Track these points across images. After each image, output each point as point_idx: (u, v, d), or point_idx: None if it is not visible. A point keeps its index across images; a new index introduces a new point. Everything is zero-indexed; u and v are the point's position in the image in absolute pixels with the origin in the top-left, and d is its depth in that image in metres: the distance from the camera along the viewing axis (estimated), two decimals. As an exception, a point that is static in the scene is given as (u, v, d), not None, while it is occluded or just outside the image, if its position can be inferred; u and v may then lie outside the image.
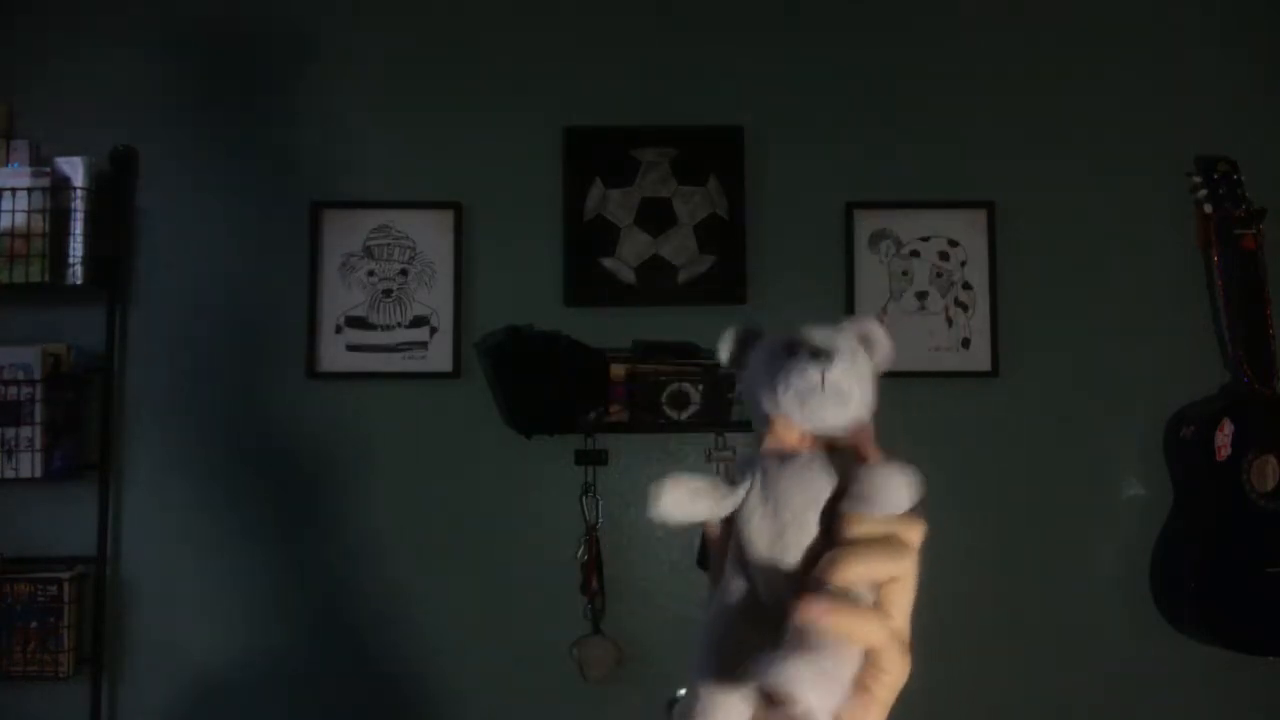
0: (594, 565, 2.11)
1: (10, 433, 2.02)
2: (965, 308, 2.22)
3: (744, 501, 0.48)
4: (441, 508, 2.18)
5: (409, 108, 2.25)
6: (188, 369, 2.19)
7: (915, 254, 2.23)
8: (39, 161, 2.09)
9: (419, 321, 2.20)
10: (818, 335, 0.49)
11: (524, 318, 2.16)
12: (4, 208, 2.03)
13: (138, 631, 2.15)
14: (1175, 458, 2.14)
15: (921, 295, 2.21)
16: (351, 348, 2.19)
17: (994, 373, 2.20)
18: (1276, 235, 2.10)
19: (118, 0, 2.26)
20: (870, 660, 0.44)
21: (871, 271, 2.22)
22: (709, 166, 2.22)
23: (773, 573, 0.47)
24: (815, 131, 2.25)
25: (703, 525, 0.51)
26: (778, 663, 0.41)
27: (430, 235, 2.21)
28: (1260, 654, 2.04)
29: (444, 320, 2.19)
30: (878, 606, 0.45)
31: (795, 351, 0.48)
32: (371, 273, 2.20)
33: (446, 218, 2.21)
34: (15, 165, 2.07)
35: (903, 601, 0.46)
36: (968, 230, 2.23)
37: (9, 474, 2.02)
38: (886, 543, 0.45)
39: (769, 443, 0.49)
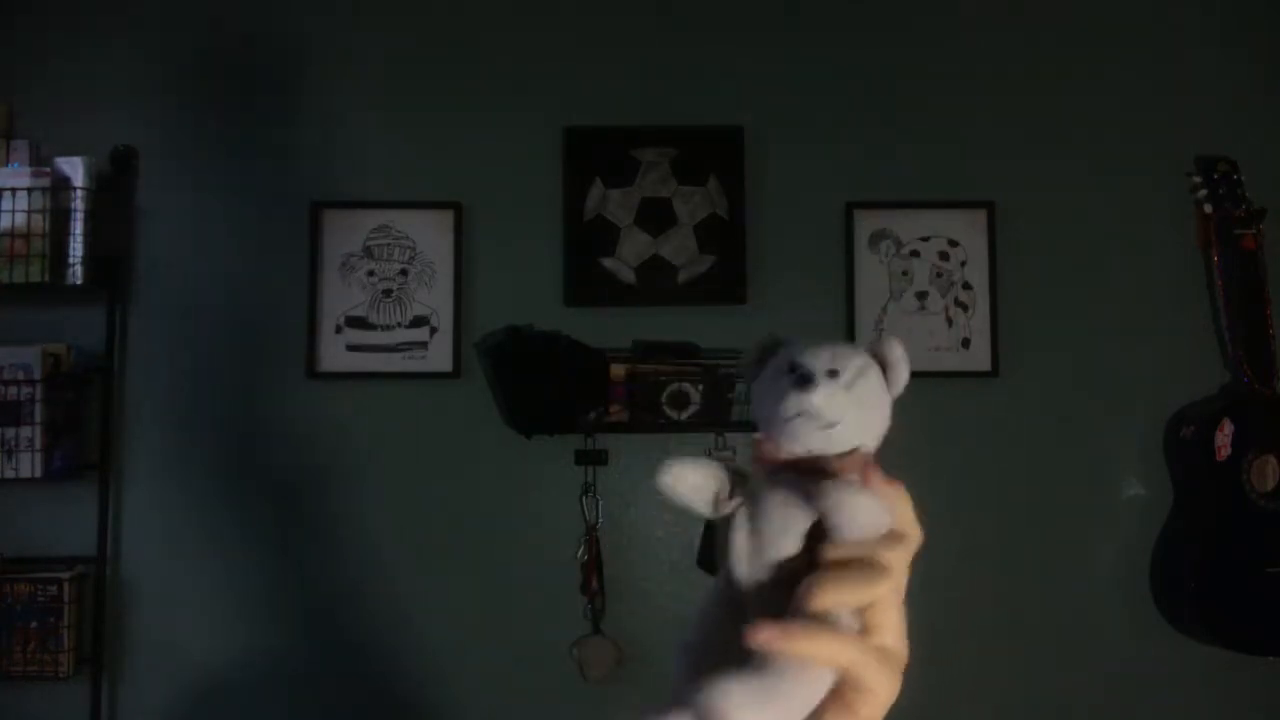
0: (594, 565, 2.11)
1: (10, 433, 2.02)
2: (965, 308, 2.22)
3: (732, 518, 0.48)
4: (441, 508, 2.18)
5: (409, 108, 2.25)
6: (188, 369, 2.19)
7: (915, 254, 2.23)
8: (39, 161, 2.09)
9: (419, 321, 2.20)
10: (820, 355, 0.47)
11: (524, 318, 2.16)
12: (4, 208, 2.03)
13: (138, 631, 2.15)
14: (1175, 458, 2.14)
15: (921, 295, 2.21)
16: (351, 348, 2.19)
17: (994, 373, 2.20)
18: (1276, 235, 2.10)
19: (118, 0, 2.26)
20: (851, 680, 0.44)
21: (871, 271, 2.22)
22: (709, 166, 2.22)
23: (753, 592, 0.47)
24: (815, 131, 2.25)
25: (702, 523, 0.51)
26: (711, 685, 0.41)
27: (430, 235, 2.21)
28: (1260, 654, 2.04)
29: (444, 320, 2.19)
30: (863, 629, 0.45)
31: (793, 371, 0.47)
32: (371, 273, 2.20)
33: (446, 218, 2.21)
34: (15, 165, 2.07)
35: (888, 621, 0.45)
36: (968, 230, 2.23)
37: (9, 474, 2.02)
38: (863, 566, 0.44)
39: (757, 462, 0.49)
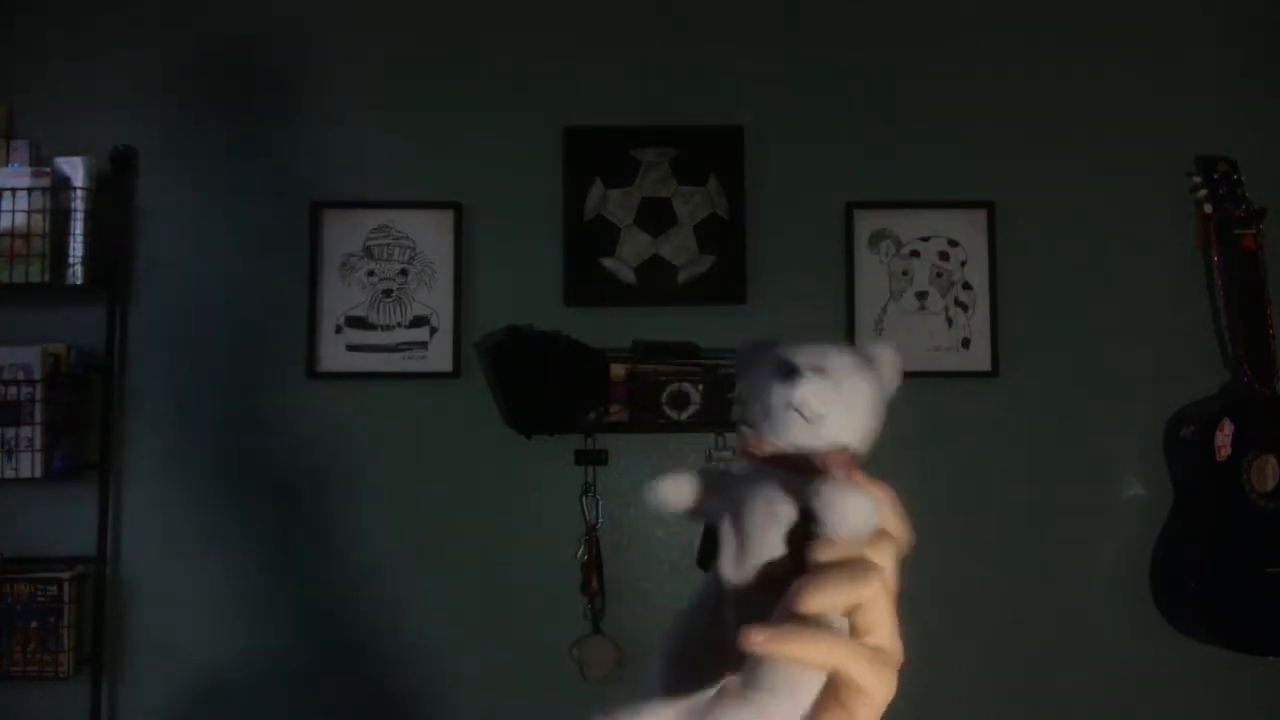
0: (594, 565, 2.11)
1: (10, 433, 2.02)
2: (965, 308, 2.22)
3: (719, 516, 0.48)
4: (441, 508, 2.18)
5: (409, 108, 2.25)
6: (188, 369, 2.19)
7: (915, 254, 2.23)
8: (39, 161, 2.09)
9: (419, 321, 2.20)
10: (810, 352, 0.47)
11: (524, 318, 2.16)
12: (4, 208, 2.03)
13: (138, 631, 2.15)
14: (1175, 458, 2.14)
15: (921, 295, 2.21)
16: (351, 348, 2.19)
17: (994, 373, 2.20)
18: (1276, 235, 2.10)
19: (118, 0, 2.26)
20: (846, 681, 0.44)
21: (871, 271, 2.22)
22: (709, 166, 2.22)
23: (738, 591, 0.47)
24: (815, 131, 2.25)
25: (702, 523, 0.52)
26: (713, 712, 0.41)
27: (430, 235, 2.21)
28: (1260, 654, 2.04)
29: (444, 320, 2.19)
30: (855, 629, 0.45)
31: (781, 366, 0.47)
32: (371, 273, 2.20)
33: (446, 218, 2.21)
34: (15, 165, 2.07)
35: (880, 621, 0.45)
36: (968, 230, 2.23)
37: (9, 474, 2.01)
38: (852, 567, 0.44)
39: (741, 457, 0.49)
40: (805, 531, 0.45)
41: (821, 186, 2.23)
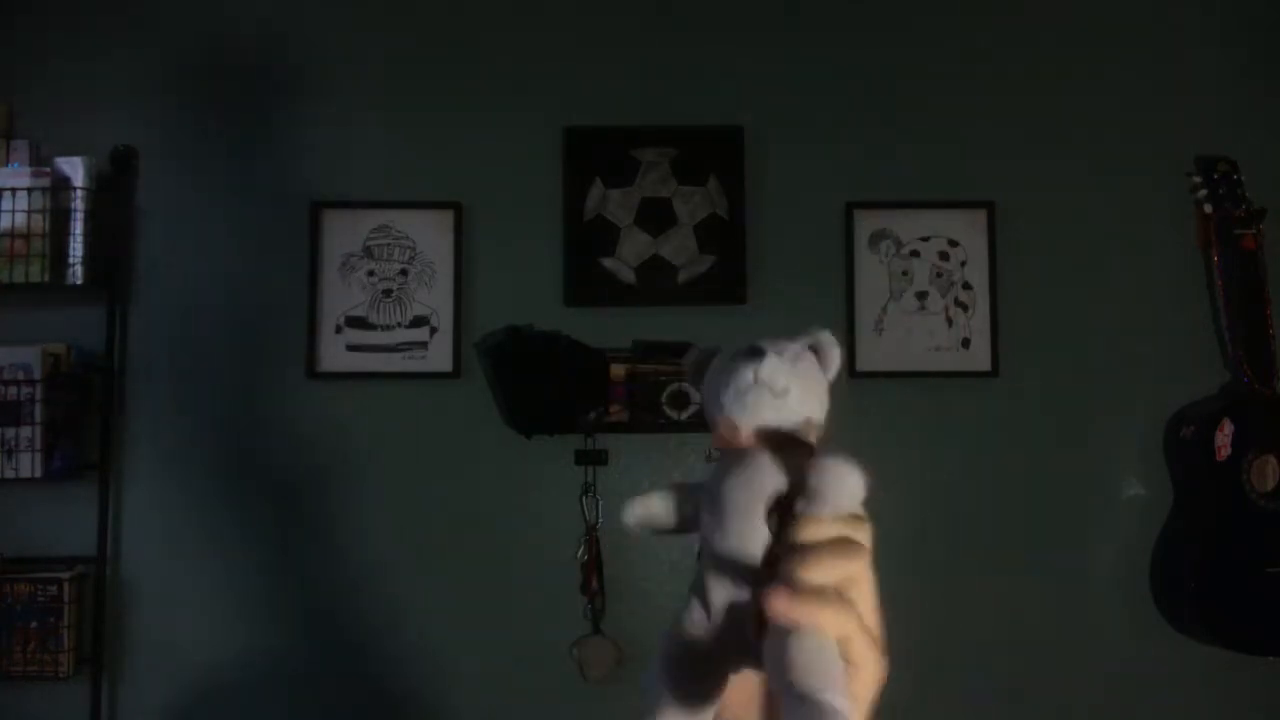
0: (594, 565, 2.11)
1: (10, 433, 2.02)
2: (965, 308, 2.22)
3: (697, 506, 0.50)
4: (441, 508, 2.18)
5: (409, 108, 2.25)
6: (188, 369, 2.19)
7: (915, 254, 2.23)
8: (39, 161, 2.09)
9: (419, 321, 2.20)
10: (762, 340, 0.51)
11: (524, 318, 2.16)
12: (4, 208, 2.03)
13: (138, 631, 2.15)
14: (1175, 458, 2.14)
15: (921, 295, 2.21)
16: (351, 348, 2.19)
17: (994, 373, 2.20)
18: (1276, 235, 2.10)
19: (118, 0, 2.26)
20: (849, 652, 0.44)
21: (871, 271, 2.22)
22: (709, 166, 2.22)
23: (724, 569, 0.47)
24: (815, 131, 2.25)
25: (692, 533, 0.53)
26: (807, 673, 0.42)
27: (430, 235, 2.21)
28: (1260, 654, 2.04)
29: (444, 320, 2.19)
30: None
31: (731, 370, 0.50)
32: (371, 273, 2.20)
33: (446, 218, 2.21)
34: (15, 165, 2.08)
35: (863, 597, 0.46)
36: (968, 230, 2.23)
37: (9, 474, 2.02)
38: (840, 544, 0.45)
39: (715, 442, 0.51)
40: (787, 505, 0.47)
41: (821, 186, 2.23)
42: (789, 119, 2.25)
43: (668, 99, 2.25)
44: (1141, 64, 2.28)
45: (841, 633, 0.43)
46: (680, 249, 2.22)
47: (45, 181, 2.05)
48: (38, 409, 2.02)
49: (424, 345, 2.19)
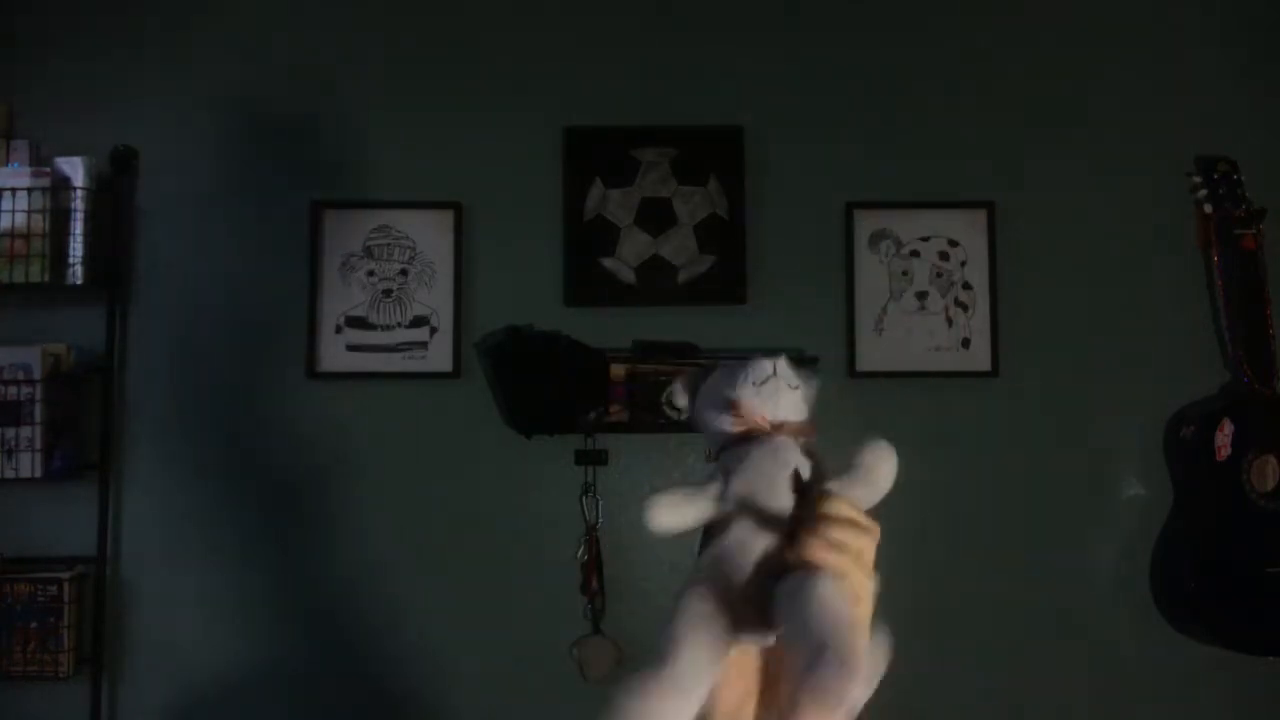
0: (594, 565, 2.11)
1: (10, 433, 2.02)
2: (965, 308, 2.22)
3: (726, 485, 0.55)
4: (441, 508, 2.18)
5: (409, 108, 2.25)
6: (188, 369, 2.19)
7: (915, 254, 2.23)
8: (39, 161, 2.10)
9: (419, 321, 2.20)
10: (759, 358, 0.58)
11: (524, 318, 2.16)
12: (4, 208, 2.03)
13: (138, 631, 2.15)
14: (1175, 458, 2.14)
15: (921, 295, 2.21)
16: (351, 348, 2.19)
17: (994, 373, 2.20)
18: (1276, 235, 2.10)
19: (118, 0, 2.26)
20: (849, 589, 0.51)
21: (871, 271, 2.22)
22: (709, 166, 2.22)
23: (761, 522, 0.53)
24: (815, 131, 2.25)
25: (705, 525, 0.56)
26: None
27: (430, 235, 2.21)
28: (1260, 654, 2.04)
29: (444, 320, 2.19)
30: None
31: (740, 366, 0.58)
32: (371, 273, 2.20)
33: (446, 218, 2.21)
34: (15, 165, 2.08)
35: (868, 567, 0.53)
36: (968, 230, 2.23)
37: (9, 474, 2.02)
38: (854, 521, 0.52)
39: (735, 427, 0.57)
40: (806, 485, 0.54)
41: (821, 186, 2.23)
42: (789, 119, 2.25)
43: (668, 99, 2.25)
44: (1141, 64, 2.28)
45: (862, 554, 0.51)
46: (680, 249, 2.22)
47: (45, 181, 2.05)
48: (38, 409, 2.02)
49: (424, 345, 2.19)
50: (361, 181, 2.22)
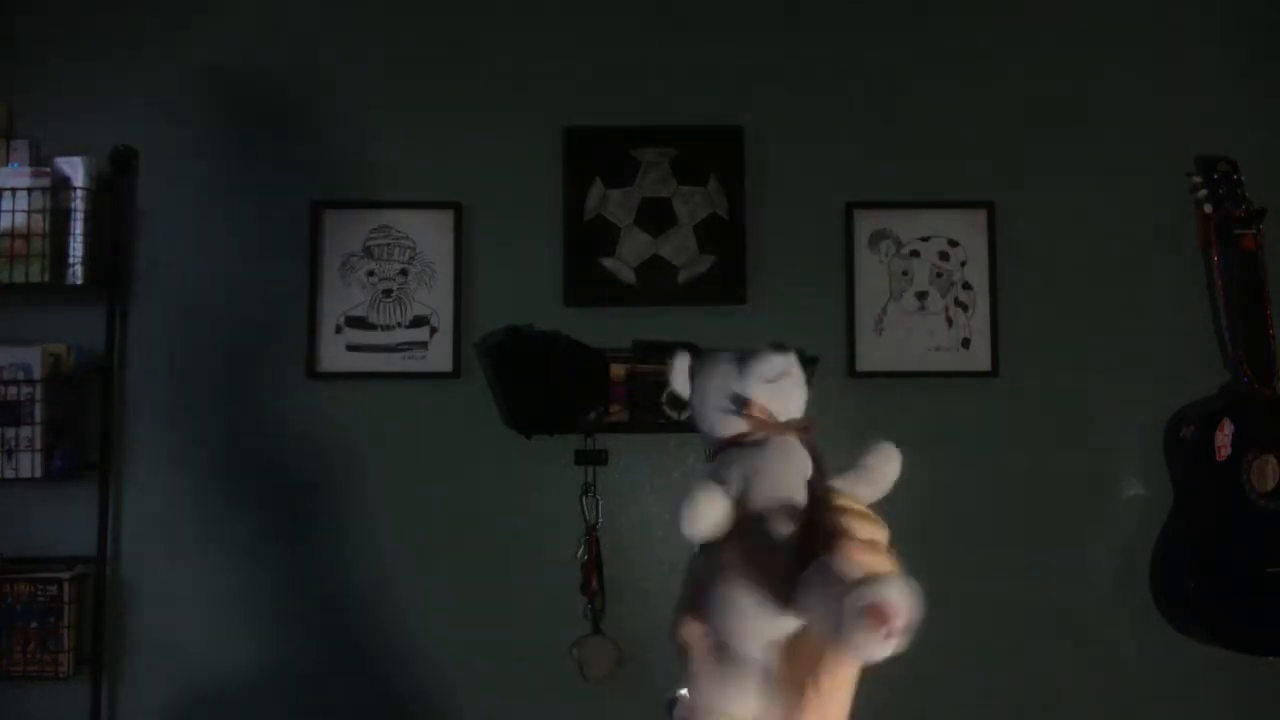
0: (594, 565, 2.11)
1: (10, 433, 2.02)
2: (965, 308, 2.22)
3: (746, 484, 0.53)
4: (441, 508, 2.18)
5: (409, 108, 2.25)
6: (188, 369, 2.19)
7: (915, 254, 2.23)
8: (39, 161, 2.09)
9: (419, 321, 2.20)
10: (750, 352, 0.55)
11: (524, 318, 2.16)
12: (4, 208, 2.03)
13: (138, 631, 2.15)
14: (1175, 458, 2.14)
15: (921, 295, 2.21)
16: (351, 348, 2.19)
17: (994, 373, 2.20)
18: (1276, 235, 2.10)
19: (118, 0, 2.26)
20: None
21: (871, 271, 2.22)
22: (709, 166, 2.22)
23: (775, 533, 0.51)
24: (815, 131, 2.25)
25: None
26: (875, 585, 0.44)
27: (430, 235, 2.21)
28: (1260, 654, 2.04)
29: (444, 320, 2.19)
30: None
31: (746, 360, 0.54)
32: (371, 273, 2.20)
33: (446, 218, 2.21)
34: (15, 165, 2.08)
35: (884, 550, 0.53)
36: (968, 230, 2.23)
37: (9, 474, 2.02)
38: (866, 513, 0.52)
39: (749, 427, 0.54)
40: (810, 483, 0.53)
41: (821, 186, 2.23)
42: (789, 119, 2.25)
43: (668, 99, 2.25)
44: (1141, 64, 2.28)
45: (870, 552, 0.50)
46: (680, 249, 2.22)
47: (45, 181, 2.05)
48: (38, 409, 2.02)
49: (424, 345, 2.19)
50: (361, 181, 2.22)
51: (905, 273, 2.22)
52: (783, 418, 0.54)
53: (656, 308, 2.20)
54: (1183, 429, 2.11)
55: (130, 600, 2.15)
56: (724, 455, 0.55)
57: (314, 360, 2.18)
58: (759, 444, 0.54)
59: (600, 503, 2.14)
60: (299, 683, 2.15)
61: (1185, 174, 2.13)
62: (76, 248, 2.06)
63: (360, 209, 2.21)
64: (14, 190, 2.03)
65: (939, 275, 2.22)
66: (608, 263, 2.21)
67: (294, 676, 2.15)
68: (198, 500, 2.17)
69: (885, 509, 0.54)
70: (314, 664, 2.15)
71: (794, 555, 0.50)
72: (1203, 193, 2.09)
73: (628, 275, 2.21)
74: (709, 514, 0.51)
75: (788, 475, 0.52)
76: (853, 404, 2.14)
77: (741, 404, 0.54)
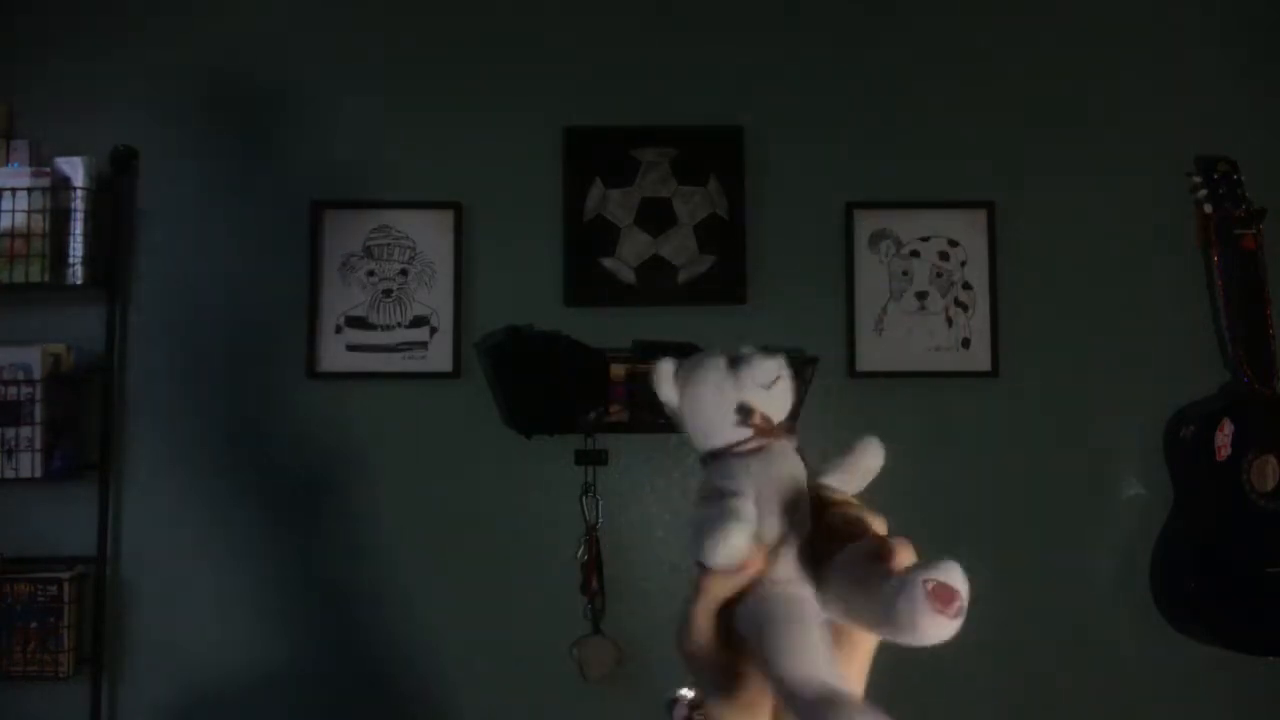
0: (594, 565, 2.11)
1: (10, 433, 2.02)
2: (965, 308, 2.22)
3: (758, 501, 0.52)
4: (441, 508, 2.17)
5: (409, 108, 2.25)
6: (188, 369, 2.19)
7: (915, 254, 2.23)
8: (39, 161, 2.09)
9: (419, 321, 2.20)
10: (741, 350, 0.55)
11: (524, 318, 2.16)
12: (4, 208, 2.03)
13: (138, 631, 2.15)
14: (1175, 458, 2.14)
15: (921, 295, 2.21)
16: (351, 348, 2.19)
17: (994, 373, 2.20)
18: (1276, 235, 2.10)
19: (118, 0, 2.26)
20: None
21: (871, 271, 2.22)
22: (709, 166, 2.22)
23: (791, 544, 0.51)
24: (815, 131, 2.25)
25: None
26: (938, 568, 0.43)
27: (430, 235, 2.21)
28: (1260, 654, 2.04)
29: (444, 320, 2.19)
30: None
31: (738, 366, 0.53)
32: (371, 273, 2.20)
33: (446, 218, 2.21)
34: (15, 165, 2.08)
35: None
36: (968, 230, 2.23)
37: (9, 474, 2.02)
38: (860, 506, 0.53)
39: (754, 435, 0.53)
40: (821, 483, 0.54)
41: (821, 186, 2.23)
42: (789, 119, 2.25)
43: (668, 99, 2.25)
44: (1141, 64, 2.28)
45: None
46: (680, 249, 2.22)
47: (45, 181, 2.05)
48: (38, 409, 2.02)
49: (424, 345, 2.19)
50: (361, 181, 2.22)
51: (905, 273, 2.22)
52: (775, 421, 0.54)
53: (656, 308, 2.20)
54: (1183, 429, 2.11)
55: (130, 600, 2.15)
56: (721, 465, 0.54)
57: (314, 360, 2.18)
58: (760, 452, 0.52)
59: (600, 503, 2.14)
60: (299, 683, 2.15)
61: (1185, 174, 2.14)
62: (76, 248, 2.06)
63: (360, 209, 2.21)
64: (14, 190, 2.03)
65: (939, 275, 2.22)
66: (608, 263, 2.21)
67: (294, 676, 2.15)
68: (198, 500, 2.17)
69: (887, 510, 0.54)
70: (314, 664, 2.15)
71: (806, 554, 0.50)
72: (1203, 193, 2.09)
73: (628, 275, 2.21)
74: (739, 545, 0.48)
75: (794, 481, 0.51)
76: (853, 404, 2.15)
77: (747, 413, 0.53)
